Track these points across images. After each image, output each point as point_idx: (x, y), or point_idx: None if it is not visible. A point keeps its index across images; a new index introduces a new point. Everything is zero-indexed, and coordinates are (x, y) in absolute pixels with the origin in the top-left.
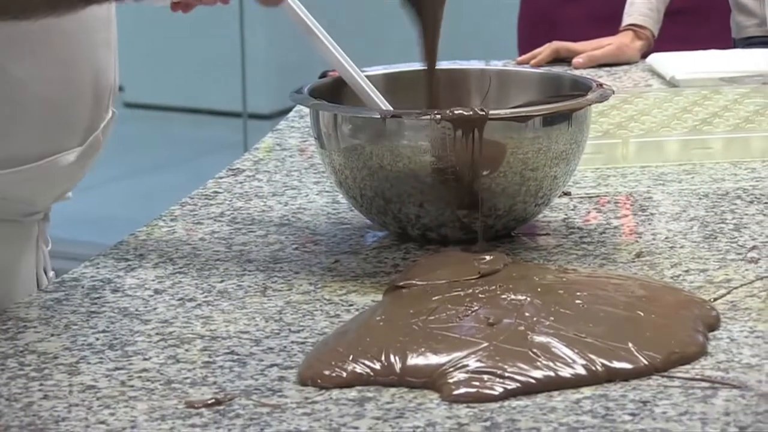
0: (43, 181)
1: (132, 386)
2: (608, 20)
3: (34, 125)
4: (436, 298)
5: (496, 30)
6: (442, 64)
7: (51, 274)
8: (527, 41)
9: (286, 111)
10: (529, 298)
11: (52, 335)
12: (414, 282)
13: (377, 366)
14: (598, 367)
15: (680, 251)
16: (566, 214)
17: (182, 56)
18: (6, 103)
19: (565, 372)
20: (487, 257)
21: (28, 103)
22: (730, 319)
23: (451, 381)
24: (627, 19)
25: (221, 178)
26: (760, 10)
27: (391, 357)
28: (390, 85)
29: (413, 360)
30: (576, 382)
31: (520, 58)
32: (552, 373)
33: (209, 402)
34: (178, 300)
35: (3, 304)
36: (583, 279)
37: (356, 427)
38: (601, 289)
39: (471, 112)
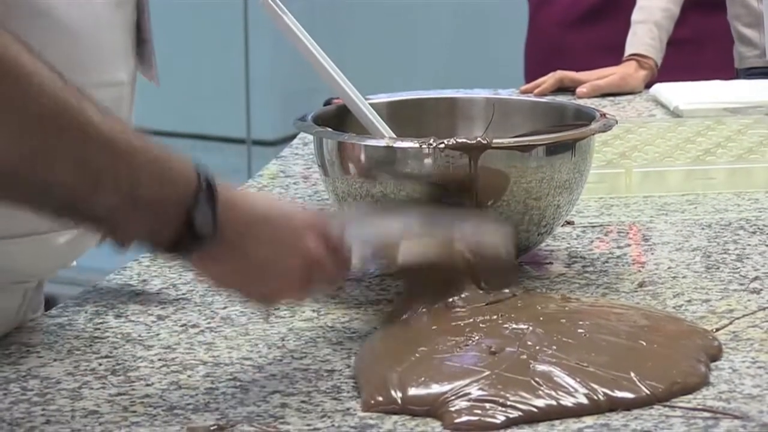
0: (33, 256)
1: (134, 412)
2: (616, 48)
3: None
4: (435, 327)
5: (504, 58)
6: (447, 93)
7: None
8: (534, 69)
9: (290, 138)
10: (531, 327)
11: (55, 360)
12: (412, 311)
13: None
14: (600, 397)
15: (683, 281)
16: (569, 243)
17: (186, 82)
18: None
19: (567, 401)
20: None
21: None
22: (732, 349)
23: (452, 409)
24: (630, 49)
25: None
26: (760, 42)
27: (393, 385)
28: (393, 113)
29: (415, 388)
30: (578, 412)
31: (523, 87)
32: (554, 402)
33: (211, 428)
34: (181, 326)
35: None
36: (586, 308)
37: None
38: (603, 319)
39: (474, 141)
